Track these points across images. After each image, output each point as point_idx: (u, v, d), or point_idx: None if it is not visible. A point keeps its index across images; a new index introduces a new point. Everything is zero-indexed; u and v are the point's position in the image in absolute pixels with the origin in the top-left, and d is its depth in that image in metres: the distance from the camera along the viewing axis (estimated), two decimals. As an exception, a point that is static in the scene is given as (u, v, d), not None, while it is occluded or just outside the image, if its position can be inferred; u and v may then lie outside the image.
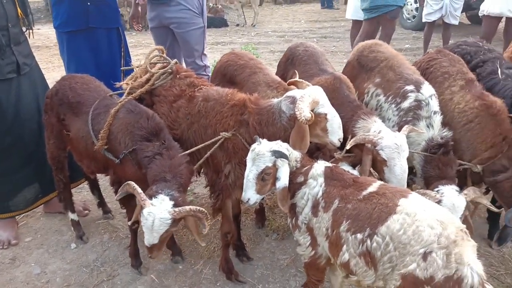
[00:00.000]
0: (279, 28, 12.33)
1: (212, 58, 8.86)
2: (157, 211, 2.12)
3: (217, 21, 12.55)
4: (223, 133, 2.42)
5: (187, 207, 2.16)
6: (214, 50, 9.72)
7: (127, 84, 2.83)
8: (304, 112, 2.09)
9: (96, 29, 3.60)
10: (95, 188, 3.62)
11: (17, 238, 3.38)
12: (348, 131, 2.58)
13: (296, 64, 3.25)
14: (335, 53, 9.14)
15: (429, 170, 2.59)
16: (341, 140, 2.35)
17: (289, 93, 2.33)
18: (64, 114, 2.91)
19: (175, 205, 2.16)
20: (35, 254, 3.25)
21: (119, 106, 2.62)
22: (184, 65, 4.51)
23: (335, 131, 2.30)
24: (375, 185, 2.00)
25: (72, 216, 3.38)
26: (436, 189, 2.42)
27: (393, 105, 2.81)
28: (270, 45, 10.16)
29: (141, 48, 9.98)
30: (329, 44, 10.09)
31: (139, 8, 4.36)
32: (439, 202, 2.32)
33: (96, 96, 2.83)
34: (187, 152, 2.47)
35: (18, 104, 3.02)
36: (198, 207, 2.19)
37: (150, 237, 2.16)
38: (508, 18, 6.00)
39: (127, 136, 2.52)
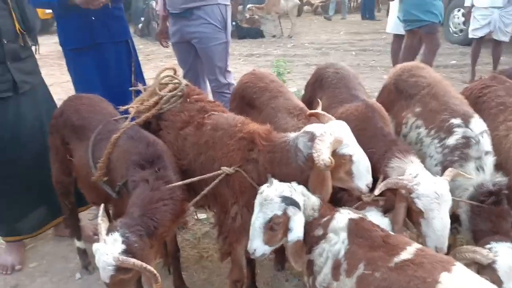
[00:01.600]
0: (316, 40, 11.93)
1: (246, 70, 8.55)
2: (103, 252, 1.80)
3: (253, 32, 12.32)
4: (225, 168, 2.10)
5: (132, 261, 1.77)
6: (248, 62, 9.47)
7: (133, 107, 2.57)
8: (322, 155, 1.73)
9: (103, 44, 3.33)
10: (106, 212, 3.39)
11: (22, 263, 3.21)
12: (379, 170, 2.20)
13: (324, 87, 2.90)
14: (374, 67, 8.67)
15: (478, 223, 2.15)
16: (370, 185, 1.98)
17: (308, 128, 1.98)
18: (69, 138, 2.70)
19: (125, 251, 1.81)
20: (38, 282, 3.05)
21: (120, 132, 2.37)
22: (207, 82, 4.26)
23: (362, 175, 1.93)
24: (410, 250, 1.61)
25: (78, 244, 3.15)
26: (488, 247, 1.99)
27: (436, 140, 2.40)
28: (306, 57, 9.79)
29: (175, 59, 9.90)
30: (368, 58, 9.61)
31: (168, 23, 4.12)
32: (492, 263, 1.91)
33: (102, 120, 2.59)
34: (177, 184, 2.14)
35: (18, 124, 2.85)
36: (146, 266, 1.79)
37: (101, 273, 1.84)
38: None
39: (123, 165, 2.25)
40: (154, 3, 10.92)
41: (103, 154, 2.36)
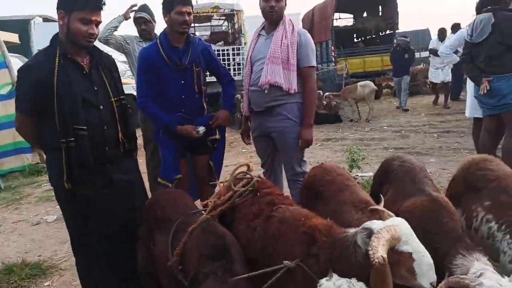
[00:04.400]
0: (395, 123, 11.88)
1: (321, 155, 8.84)
2: None
3: (331, 117, 12.67)
4: (286, 262, 2.21)
5: None
6: (325, 146, 9.67)
7: (211, 202, 2.87)
8: (377, 253, 1.80)
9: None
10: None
11: None
12: (444, 267, 2.16)
13: (390, 180, 2.97)
14: (458, 150, 8.34)
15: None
16: (434, 284, 1.95)
17: (366, 224, 2.06)
18: (153, 228, 3.02)
19: None
20: None
21: (196, 224, 2.63)
22: (283, 171, 4.50)
23: (424, 274, 1.92)
24: None
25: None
26: None
27: (508, 236, 2.31)
28: (384, 141, 9.75)
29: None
30: (451, 140, 9.28)
31: (249, 123, 4.56)
32: None
33: (183, 213, 2.91)
34: (242, 276, 2.24)
35: (110, 213, 3.14)
36: None
37: None
38: None
39: (195, 256, 2.47)
40: (239, 96, 11.89)
41: (181, 243, 2.62)
